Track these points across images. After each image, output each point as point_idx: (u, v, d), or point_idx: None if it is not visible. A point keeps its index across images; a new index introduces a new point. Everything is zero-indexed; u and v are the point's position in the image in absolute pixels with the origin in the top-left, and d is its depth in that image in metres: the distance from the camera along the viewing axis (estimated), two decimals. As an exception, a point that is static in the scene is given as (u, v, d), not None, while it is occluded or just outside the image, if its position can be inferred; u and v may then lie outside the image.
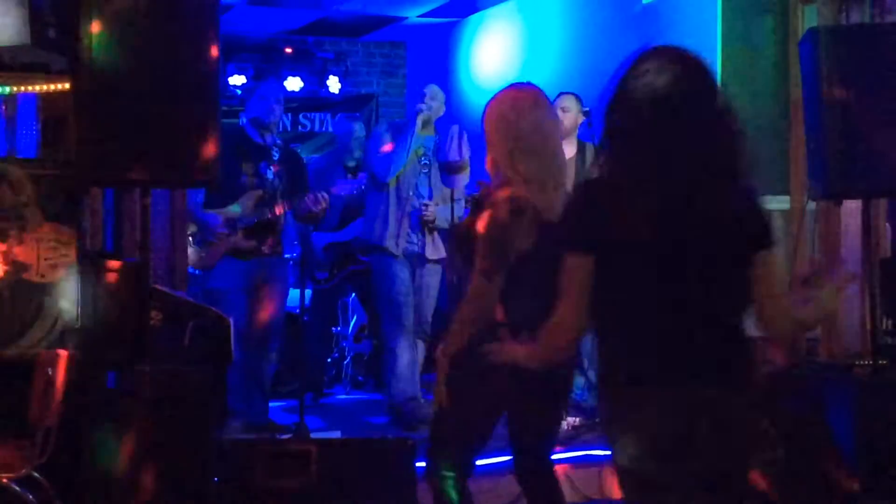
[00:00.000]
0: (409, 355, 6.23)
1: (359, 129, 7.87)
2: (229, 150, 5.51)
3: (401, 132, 6.34)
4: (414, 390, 6.25)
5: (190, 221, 5.82)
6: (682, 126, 2.64)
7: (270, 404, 6.26)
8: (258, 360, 6.01)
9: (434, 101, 6.33)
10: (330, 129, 9.73)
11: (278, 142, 6.20)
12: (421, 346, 6.42)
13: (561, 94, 6.45)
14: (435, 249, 6.32)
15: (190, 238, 5.89)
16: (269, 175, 6.01)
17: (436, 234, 6.35)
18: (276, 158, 6.04)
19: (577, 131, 6.46)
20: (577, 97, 6.42)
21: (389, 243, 6.23)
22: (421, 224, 6.26)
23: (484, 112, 3.65)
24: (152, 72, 3.89)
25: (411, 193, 6.23)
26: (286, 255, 7.41)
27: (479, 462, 5.25)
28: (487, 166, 3.63)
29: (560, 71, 7.68)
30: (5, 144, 5.34)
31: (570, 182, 6.35)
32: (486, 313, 3.41)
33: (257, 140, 6.03)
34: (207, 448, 4.09)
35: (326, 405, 7.44)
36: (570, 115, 6.38)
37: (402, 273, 6.25)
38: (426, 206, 6.26)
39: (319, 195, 5.95)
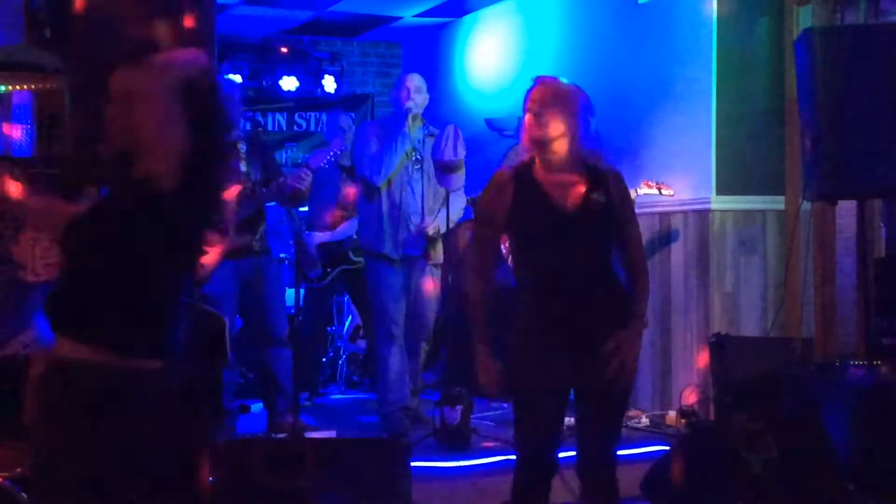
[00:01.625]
0: (398, 363, 6.12)
1: (343, 120, 7.83)
2: None
3: (389, 131, 6.21)
4: (403, 398, 6.16)
5: None
6: None
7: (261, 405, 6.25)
8: (265, 360, 6.00)
9: (420, 94, 6.20)
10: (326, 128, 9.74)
11: (241, 134, 6.16)
12: (424, 347, 6.33)
13: None
14: (435, 253, 6.23)
15: None
16: (243, 168, 5.97)
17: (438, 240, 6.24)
18: (244, 151, 6.01)
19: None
20: None
21: (388, 249, 6.11)
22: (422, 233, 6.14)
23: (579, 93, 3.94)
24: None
25: (404, 194, 6.15)
26: (282, 255, 7.38)
27: (482, 461, 5.28)
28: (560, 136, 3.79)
29: (555, 71, 7.65)
30: (0, 143, 5.33)
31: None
32: None
33: None
34: (203, 448, 4.08)
35: (321, 405, 7.44)
36: None
37: (395, 281, 6.10)
38: (425, 226, 6.12)
39: (301, 171, 5.91)
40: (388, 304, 6.10)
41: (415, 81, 6.22)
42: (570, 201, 3.73)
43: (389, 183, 6.10)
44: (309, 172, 5.91)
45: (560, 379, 3.72)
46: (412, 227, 6.08)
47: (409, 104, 6.12)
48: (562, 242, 3.72)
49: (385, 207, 6.10)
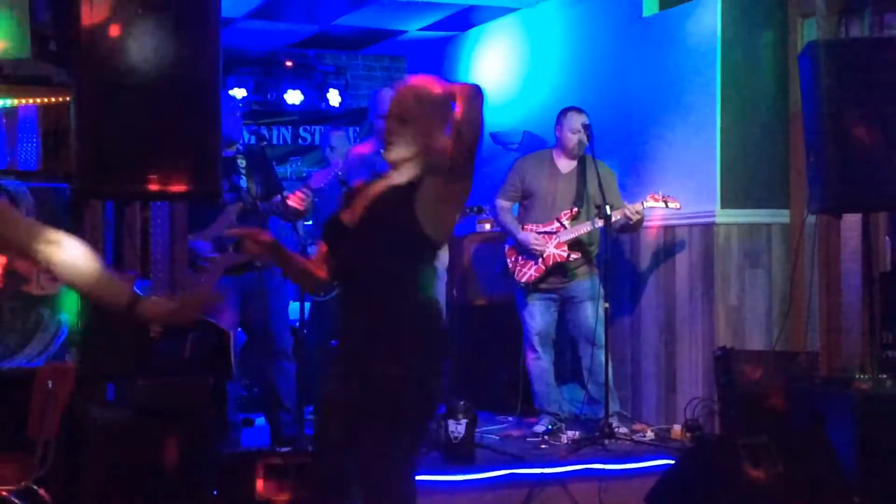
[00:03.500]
0: None
1: (335, 139, 7.81)
2: None
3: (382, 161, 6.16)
4: None
5: None
6: None
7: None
8: (268, 373, 6.00)
9: None
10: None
11: (241, 150, 6.16)
12: None
13: (569, 110, 6.38)
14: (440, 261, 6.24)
15: None
16: (244, 184, 5.97)
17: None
18: (243, 166, 6.00)
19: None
20: (584, 113, 6.37)
21: None
22: None
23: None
24: (153, 85, 3.90)
25: None
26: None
27: (486, 475, 5.27)
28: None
29: (560, 84, 7.70)
30: (6, 157, 5.35)
31: (571, 194, 6.37)
32: None
33: (224, 154, 6.00)
34: (207, 461, 4.08)
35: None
36: (579, 134, 6.29)
37: None
38: None
39: (301, 191, 5.90)
40: None
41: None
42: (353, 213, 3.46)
43: None
44: (309, 193, 5.92)
45: None
46: None
47: None
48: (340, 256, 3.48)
49: None
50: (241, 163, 5.99)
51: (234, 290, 5.90)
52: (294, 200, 5.86)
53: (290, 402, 6.01)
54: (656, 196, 6.26)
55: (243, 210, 5.92)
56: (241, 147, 6.16)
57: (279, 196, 5.91)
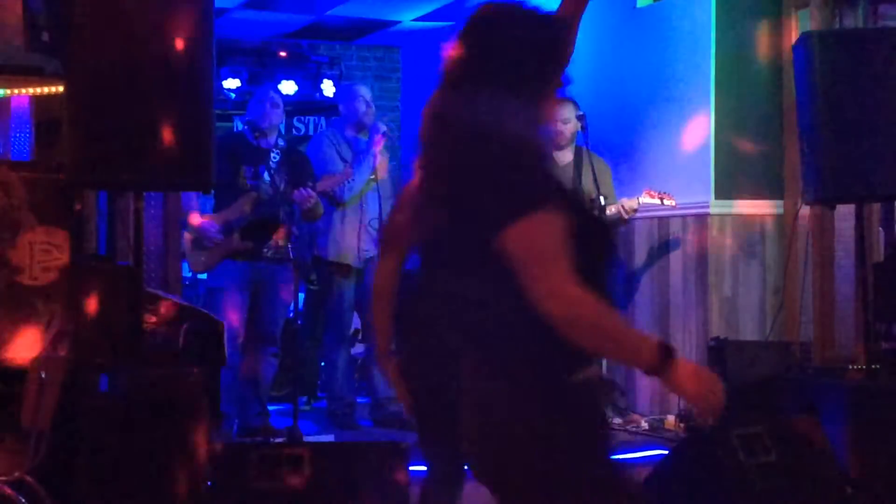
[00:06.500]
0: (344, 363, 6.39)
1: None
2: (226, 154, 5.60)
3: (353, 149, 6.41)
4: (351, 395, 6.48)
5: (186, 229, 5.88)
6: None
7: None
8: (255, 363, 6.03)
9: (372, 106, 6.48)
10: (324, 133, 9.74)
11: (281, 144, 6.21)
12: (360, 347, 6.55)
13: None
14: None
15: (191, 244, 5.97)
16: (266, 178, 6.00)
17: None
18: (275, 161, 6.05)
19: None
20: (574, 102, 6.38)
21: (352, 260, 6.29)
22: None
23: None
24: (146, 75, 3.88)
25: (365, 205, 6.35)
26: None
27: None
28: None
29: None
30: (-1, 147, 5.33)
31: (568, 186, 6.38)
32: None
33: (254, 143, 6.04)
34: (201, 452, 4.08)
35: (320, 409, 7.43)
36: (570, 125, 6.33)
37: (349, 288, 6.33)
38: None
39: (304, 191, 5.94)
40: (341, 311, 6.35)
41: (368, 96, 6.50)
42: None
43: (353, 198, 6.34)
44: (313, 194, 5.98)
45: None
46: (372, 231, 6.29)
47: (384, 129, 6.37)
48: None
49: (349, 219, 6.31)
50: (275, 157, 6.07)
51: (240, 275, 5.97)
52: (300, 200, 5.94)
53: (265, 394, 6.11)
54: (652, 192, 6.26)
55: (258, 200, 6.00)
56: (282, 142, 6.25)
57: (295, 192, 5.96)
